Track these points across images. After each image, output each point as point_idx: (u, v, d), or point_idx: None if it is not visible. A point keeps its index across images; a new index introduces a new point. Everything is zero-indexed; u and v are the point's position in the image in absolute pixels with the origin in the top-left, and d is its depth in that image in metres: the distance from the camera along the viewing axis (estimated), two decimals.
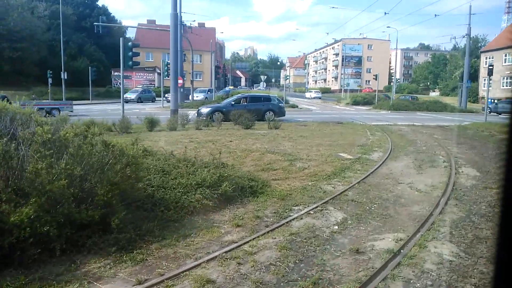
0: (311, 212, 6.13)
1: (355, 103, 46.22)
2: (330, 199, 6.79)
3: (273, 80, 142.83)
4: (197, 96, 42.70)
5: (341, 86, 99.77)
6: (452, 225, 5.67)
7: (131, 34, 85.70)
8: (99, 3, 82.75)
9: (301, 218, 5.83)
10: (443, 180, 8.42)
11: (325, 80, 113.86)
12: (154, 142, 12.42)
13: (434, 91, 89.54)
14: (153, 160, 7.11)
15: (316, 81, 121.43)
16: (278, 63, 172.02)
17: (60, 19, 55.62)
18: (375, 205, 6.59)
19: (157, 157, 7.31)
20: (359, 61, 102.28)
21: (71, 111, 26.39)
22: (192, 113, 20.95)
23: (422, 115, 32.00)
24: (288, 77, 60.66)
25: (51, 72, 40.22)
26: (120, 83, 65.79)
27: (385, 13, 65.11)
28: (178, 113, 18.78)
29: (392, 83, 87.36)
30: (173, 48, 18.76)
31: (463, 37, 38.32)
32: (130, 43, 18.36)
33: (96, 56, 66.03)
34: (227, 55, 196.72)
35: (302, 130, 17.15)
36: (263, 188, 7.22)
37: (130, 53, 18.41)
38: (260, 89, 62.64)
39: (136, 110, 31.95)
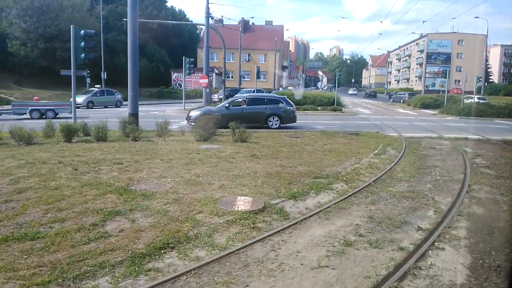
0: None
1: (424, 106, 39.00)
2: None
3: (353, 80, 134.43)
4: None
5: (425, 86, 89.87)
6: None
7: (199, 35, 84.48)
8: (168, 4, 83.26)
9: None
10: None
11: (408, 79, 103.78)
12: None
13: None
14: None
15: (398, 81, 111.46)
16: (347, 61, 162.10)
17: (113, 19, 55.62)
18: None
19: None
20: (447, 59, 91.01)
21: (70, 113, 23.91)
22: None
23: (500, 123, 24.79)
24: (340, 75, 54.37)
25: (89, 71, 39.16)
26: (179, 84, 64.41)
27: None
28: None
29: (486, 83, 75.77)
30: (131, 37, 14.96)
31: None
32: (82, 32, 14.94)
33: (157, 56, 65.36)
34: (312, 55, 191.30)
35: (278, 144, 12.36)
36: None
37: (83, 44, 15.04)
38: (322, 90, 57.09)
39: (154, 112, 29.06)
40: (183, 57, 29.27)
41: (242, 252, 4.51)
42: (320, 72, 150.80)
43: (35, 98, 37.38)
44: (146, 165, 8.63)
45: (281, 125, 18.12)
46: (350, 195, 6.90)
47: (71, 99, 30.04)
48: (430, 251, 4.63)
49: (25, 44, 43.95)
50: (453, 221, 5.68)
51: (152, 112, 28.52)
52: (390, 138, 14.87)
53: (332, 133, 15.61)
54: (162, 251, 4.43)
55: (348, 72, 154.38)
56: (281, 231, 5.15)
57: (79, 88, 44.45)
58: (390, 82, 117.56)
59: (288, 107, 18.38)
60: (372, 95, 76.45)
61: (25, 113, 22.74)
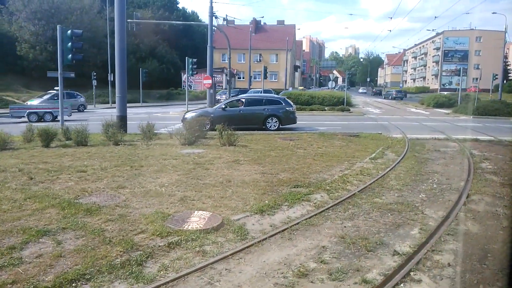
0: None
1: (438, 105, 37.59)
2: None
3: (368, 80, 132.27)
4: None
5: (442, 85, 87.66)
6: None
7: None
8: (180, 6, 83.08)
9: None
10: None
11: (424, 78, 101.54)
12: None
13: None
14: None
15: (414, 80, 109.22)
16: (361, 59, 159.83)
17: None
18: None
19: None
20: (464, 56, 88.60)
21: (69, 115, 23.57)
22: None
23: None
24: (350, 74, 53.20)
25: (95, 73, 38.99)
26: (189, 85, 64.12)
27: None
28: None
29: (505, 81, 73.31)
30: (119, 36, 14.31)
31: None
32: (69, 32, 14.37)
33: (167, 58, 65.11)
34: (327, 55, 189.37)
35: (268, 148, 11.55)
36: None
37: (70, 44, 14.46)
38: (334, 89, 55.85)
39: (157, 114, 28.56)
40: (186, 57, 28.65)
41: (170, 286, 3.73)
42: (335, 72, 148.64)
43: None
44: (112, 173, 7.91)
45: (281, 126, 17.31)
46: (327, 208, 6.06)
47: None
48: (401, 285, 3.77)
49: (34, 47, 43.99)
50: (439, 242, 4.80)
51: (155, 114, 27.99)
52: (393, 140, 13.90)
53: (331, 135, 14.72)
54: (73, 285, 3.67)
55: (364, 71, 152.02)
56: (230, 256, 4.35)
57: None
58: (406, 81, 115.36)
59: (287, 108, 17.53)
60: (378, 93, 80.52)
61: (24, 116, 22.40)
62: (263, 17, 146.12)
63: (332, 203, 6.35)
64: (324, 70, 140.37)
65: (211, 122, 16.92)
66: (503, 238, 4.98)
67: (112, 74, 40.37)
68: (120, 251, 4.33)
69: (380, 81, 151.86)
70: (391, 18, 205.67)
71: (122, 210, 5.67)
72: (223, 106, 17.44)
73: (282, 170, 8.61)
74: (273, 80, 73.76)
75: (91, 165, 8.54)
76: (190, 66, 27.83)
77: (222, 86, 60.85)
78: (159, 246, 4.52)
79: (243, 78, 72.06)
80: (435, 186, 7.60)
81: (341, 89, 61.49)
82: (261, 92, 39.17)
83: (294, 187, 7.25)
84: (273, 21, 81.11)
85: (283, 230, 5.12)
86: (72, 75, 16.13)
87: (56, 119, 23.29)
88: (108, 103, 39.76)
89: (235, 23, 79.21)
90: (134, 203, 6.01)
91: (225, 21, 38.16)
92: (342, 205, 6.30)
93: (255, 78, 68.75)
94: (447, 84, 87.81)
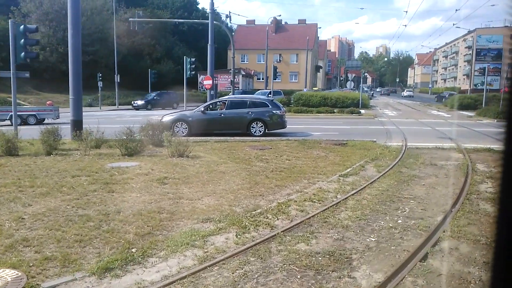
0: None
1: (463, 107, 34.54)
2: None
3: (397, 80, 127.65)
4: None
5: (474, 85, 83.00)
6: None
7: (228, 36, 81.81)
8: (200, 6, 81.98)
9: None
10: None
11: (455, 78, 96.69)
12: None
13: None
14: None
15: (445, 80, 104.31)
16: (386, 59, 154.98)
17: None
18: None
19: None
20: (498, 55, 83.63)
21: (55, 118, 22.43)
22: None
23: None
24: (365, 74, 50.36)
25: (100, 75, 38.06)
26: (202, 87, 62.37)
27: None
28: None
29: None
30: (72, 31, 12.71)
31: None
32: (22, 27, 12.89)
33: (184, 59, 64.08)
34: (357, 55, 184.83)
35: (222, 160, 9.65)
36: None
37: (23, 41, 12.98)
38: (353, 90, 53.09)
39: (155, 116, 27.03)
40: (184, 56, 27.12)
41: None
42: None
43: (48, 102, 36.67)
44: None
45: (267, 131, 15.36)
46: (214, 263, 4.13)
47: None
48: None
49: (44, 49, 43.61)
50: None
51: (151, 116, 26.49)
52: (386, 149, 11.69)
53: (313, 143, 12.60)
54: None
55: (393, 71, 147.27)
56: None
57: (91, 93, 43.60)
58: (436, 81, 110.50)
59: (274, 111, 15.55)
60: (386, 94, 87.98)
61: (6, 119, 21.34)
62: (280, 15, 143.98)
63: (231, 251, 4.42)
64: (351, 71, 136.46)
65: (189, 126, 15.29)
66: None
67: (118, 76, 39.46)
68: None
69: (410, 81, 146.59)
70: (406, 11, 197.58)
71: None
72: (203, 109, 15.70)
73: (211, 193, 6.70)
74: (294, 80, 71.63)
75: None
76: (189, 66, 26.20)
77: (238, 86, 59.20)
78: None
79: (262, 79, 70.16)
80: (399, 221, 5.52)
81: (359, 90, 58.74)
82: (268, 94, 37.05)
83: (202, 221, 5.35)
84: (307, 21, 78.45)
85: None
86: (27, 75, 14.65)
87: (42, 122, 22.17)
88: (115, 104, 38.87)
89: (255, 23, 77.63)
90: None
91: (228, 18, 36.33)
92: (243, 255, 4.35)
93: (274, 78, 66.66)
94: (479, 85, 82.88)
